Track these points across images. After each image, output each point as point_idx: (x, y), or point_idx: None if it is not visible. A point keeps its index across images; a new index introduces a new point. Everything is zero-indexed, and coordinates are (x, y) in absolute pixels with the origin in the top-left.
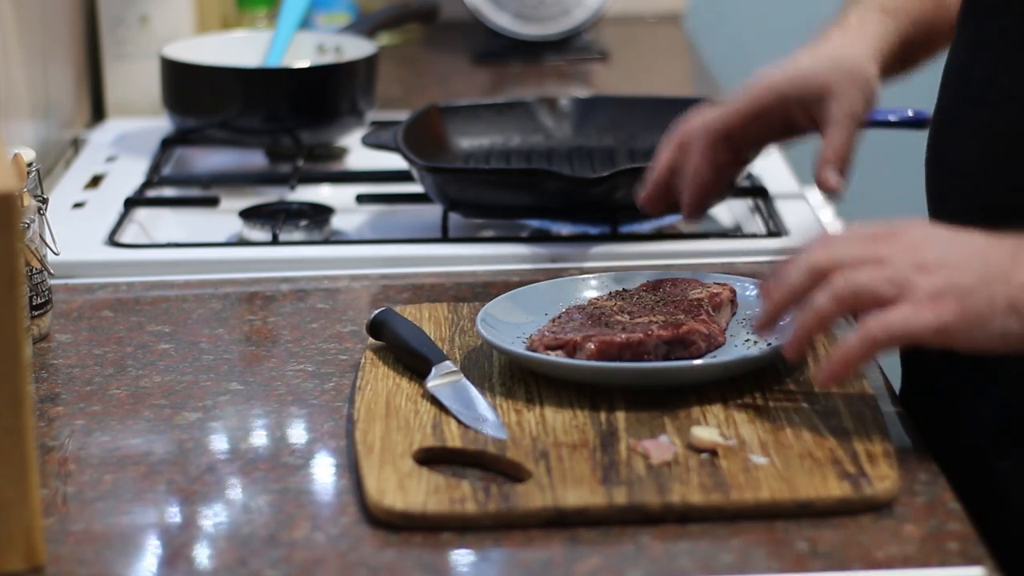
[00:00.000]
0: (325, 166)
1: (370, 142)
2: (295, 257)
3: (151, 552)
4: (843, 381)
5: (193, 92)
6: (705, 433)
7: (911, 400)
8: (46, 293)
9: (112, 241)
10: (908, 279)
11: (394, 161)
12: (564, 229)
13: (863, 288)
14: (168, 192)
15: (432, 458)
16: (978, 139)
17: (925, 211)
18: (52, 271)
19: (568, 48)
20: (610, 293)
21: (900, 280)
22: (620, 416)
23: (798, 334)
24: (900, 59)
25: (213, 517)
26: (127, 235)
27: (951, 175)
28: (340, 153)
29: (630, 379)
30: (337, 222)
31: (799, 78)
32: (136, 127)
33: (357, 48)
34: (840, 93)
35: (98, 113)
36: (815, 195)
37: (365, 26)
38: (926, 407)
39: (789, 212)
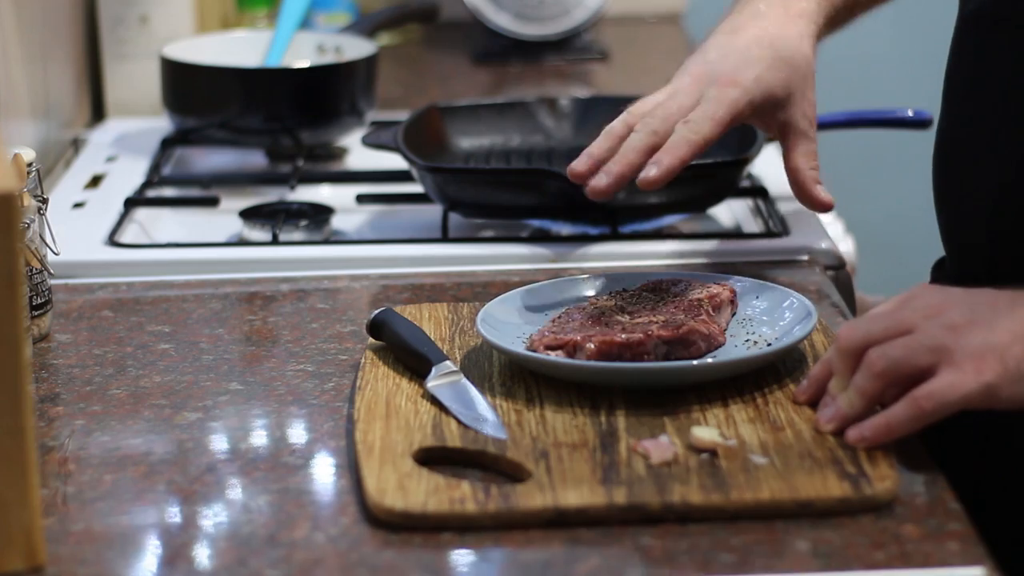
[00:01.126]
0: (325, 166)
1: (370, 142)
2: (295, 257)
3: (151, 552)
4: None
5: (193, 92)
6: (705, 433)
7: None
8: (46, 293)
9: (112, 241)
10: (943, 343)
11: (394, 161)
12: (564, 229)
13: (901, 361)
14: (168, 192)
15: (432, 458)
16: (988, 163)
17: (924, 210)
18: (52, 271)
19: (568, 48)
20: (610, 293)
21: (935, 345)
22: (620, 416)
23: (842, 412)
24: (834, 23)
25: (213, 517)
26: (127, 235)
27: (961, 195)
28: (340, 153)
29: (630, 379)
30: (337, 222)
31: (765, 89)
32: (136, 127)
33: (357, 48)
34: (799, 99)
35: (98, 113)
36: None
37: (365, 26)
38: None
39: (789, 212)
